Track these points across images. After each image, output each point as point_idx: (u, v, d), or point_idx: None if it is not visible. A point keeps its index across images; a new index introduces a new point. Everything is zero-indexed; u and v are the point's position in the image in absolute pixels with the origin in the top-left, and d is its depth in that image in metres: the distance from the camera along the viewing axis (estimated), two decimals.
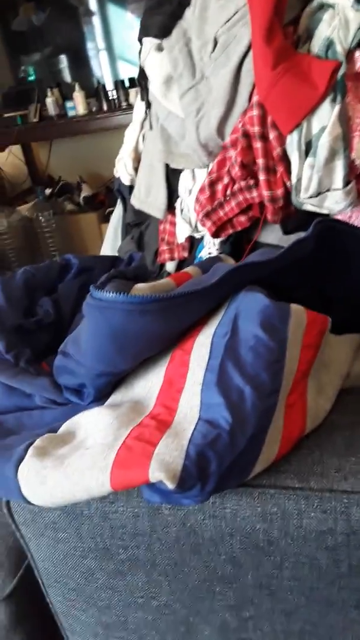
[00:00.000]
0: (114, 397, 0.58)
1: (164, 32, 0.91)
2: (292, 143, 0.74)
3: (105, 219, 2.66)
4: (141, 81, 1.04)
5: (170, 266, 1.12)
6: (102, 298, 0.52)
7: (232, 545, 0.52)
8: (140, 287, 0.57)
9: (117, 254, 1.29)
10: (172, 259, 1.11)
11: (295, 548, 0.50)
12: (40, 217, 2.59)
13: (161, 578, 0.57)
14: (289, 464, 0.51)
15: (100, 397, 0.59)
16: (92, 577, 0.59)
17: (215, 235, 0.93)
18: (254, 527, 0.50)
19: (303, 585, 0.52)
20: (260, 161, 0.79)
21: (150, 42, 0.96)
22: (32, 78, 2.85)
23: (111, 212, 2.56)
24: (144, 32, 0.97)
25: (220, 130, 0.86)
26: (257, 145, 0.79)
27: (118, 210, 1.39)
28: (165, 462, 0.45)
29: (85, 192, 2.82)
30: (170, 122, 0.95)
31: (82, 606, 0.63)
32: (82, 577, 0.60)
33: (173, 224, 1.07)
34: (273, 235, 0.91)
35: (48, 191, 2.85)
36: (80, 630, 0.67)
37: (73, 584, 0.61)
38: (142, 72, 1.02)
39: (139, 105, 1.17)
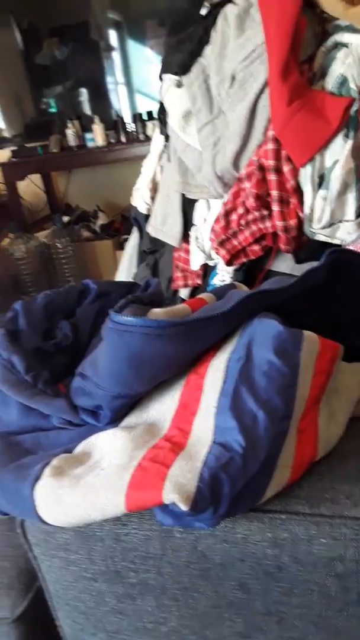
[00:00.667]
0: (129, 419, 0.60)
1: (184, 69, 0.95)
2: (306, 176, 0.77)
3: (120, 246, 2.71)
4: (161, 115, 1.08)
5: (184, 293, 1.15)
6: (121, 322, 0.54)
7: (242, 570, 0.52)
8: (157, 312, 0.59)
9: (132, 280, 1.31)
10: (185, 285, 1.13)
11: (305, 574, 0.50)
12: (57, 244, 2.65)
13: (171, 603, 0.57)
14: (300, 489, 0.51)
15: (115, 419, 0.60)
16: (102, 601, 0.59)
17: (228, 263, 0.95)
18: (264, 553, 0.51)
19: (312, 612, 0.52)
20: (274, 193, 0.82)
21: (170, 78, 1.01)
22: (53, 110, 2.95)
23: (126, 240, 2.61)
24: (165, 69, 1.01)
25: (236, 163, 0.89)
26: (272, 177, 0.81)
27: (134, 237, 1.43)
28: (179, 483, 0.46)
29: (102, 220, 2.88)
30: (188, 154, 0.98)
31: (91, 630, 0.63)
32: (92, 601, 0.60)
33: (187, 251, 1.10)
34: (285, 264, 0.92)
35: (66, 219, 2.91)
36: None
37: (83, 607, 0.61)
38: (161, 107, 1.06)
39: (157, 138, 1.21)
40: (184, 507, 0.45)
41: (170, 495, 0.45)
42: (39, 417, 0.64)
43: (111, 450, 0.54)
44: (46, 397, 0.64)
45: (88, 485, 0.50)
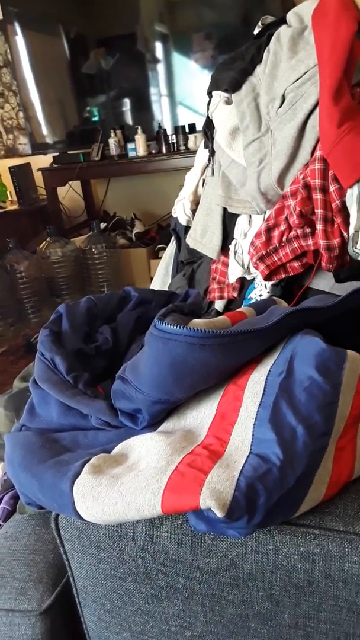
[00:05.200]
0: (166, 425, 0.61)
1: (234, 87, 0.97)
2: (352, 196, 0.78)
3: (155, 254, 2.74)
4: (207, 130, 1.10)
5: (219, 304, 1.16)
6: (165, 330, 0.55)
7: (271, 582, 0.53)
8: (198, 322, 0.60)
9: (166, 289, 1.33)
10: (221, 297, 1.14)
11: (335, 591, 0.50)
12: (93, 249, 2.70)
13: (197, 608, 0.57)
14: (335, 506, 0.52)
15: (153, 424, 0.61)
16: (130, 601, 0.61)
17: (267, 278, 0.96)
18: (295, 566, 0.51)
19: (340, 629, 0.52)
20: (319, 212, 0.82)
21: (219, 95, 1.03)
22: (96, 119, 3.02)
23: (161, 249, 2.65)
24: (214, 86, 1.03)
25: (281, 181, 0.90)
26: (317, 196, 0.82)
27: (171, 247, 1.45)
28: (216, 490, 0.47)
29: (138, 228, 2.93)
30: (232, 169, 1.00)
31: (116, 629, 0.64)
32: (120, 600, 0.61)
33: (225, 264, 1.11)
34: (325, 282, 0.93)
35: (102, 225, 2.97)
36: None
37: (109, 605, 0.62)
38: (209, 122, 1.08)
39: (201, 152, 1.23)
40: (219, 514, 0.46)
41: (207, 501, 0.46)
42: (78, 417, 0.66)
43: (149, 453, 0.55)
44: (86, 397, 0.66)
45: (126, 485, 0.51)
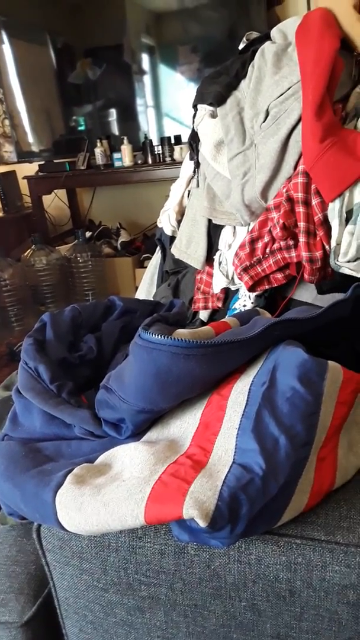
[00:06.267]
0: (150, 434, 0.61)
1: (219, 101, 0.99)
2: (334, 210, 0.79)
3: (140, 264, 2.75)
4: (192, 143, 1.11)
5: (203, 315, 1.17)
6: (150, 339, 0.56)
7: (253, 592, 0.53)
8: (183, 332, 0.61)
9: (151, 299, 1.34)
10: (206, 308, 1.15)
11: (317, 600, 0.51)
12: (78, 258, 2.69)
13: (180, 619, 0.57)
14: (317, 516, 0.52)
15: (137, 433, 0.62)
16: (112, 612, 0.60)
17: (251, 289, 0.97)
18: (277, 576, 0.51)
19: (320, 639, 0.52)
20: (301, 224, 0.84)
21: (204, 108, 1.04)
22: (82, 128, 3.02)
23: (146, 258, 2.65)
24: (200, 99, 1.05)
25: (264, 194, 0.91)
26: (300, 209, 0.84)
27: (156, 257, 1.45)
28: (199, 500, 0.47)
29: (123, 237, 2.93)
30: (217, 182, 1.01)
31: None
32: (102, 611, 0.61)
33: (210, 275, 1.12)
34: (307, 294, 0.94)
35: (88, 234, 2.97)
36: None
37: (91, 616, 0.62)
38: (194, 135, 1.09)
39: (187, 164, 1.24)
40: (202, 524, 0.46)
41: (190, 510, 0.46)
42: (61, 426, 0.66)
43: (132, 463, 0.55)
44: (70, 407, 0.66)
45: (109, 495, 0.51)
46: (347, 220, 0.79)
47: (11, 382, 1.06)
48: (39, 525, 0.60)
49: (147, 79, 2.89)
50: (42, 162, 2.95)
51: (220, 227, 1.08)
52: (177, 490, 0.49)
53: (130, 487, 0.51)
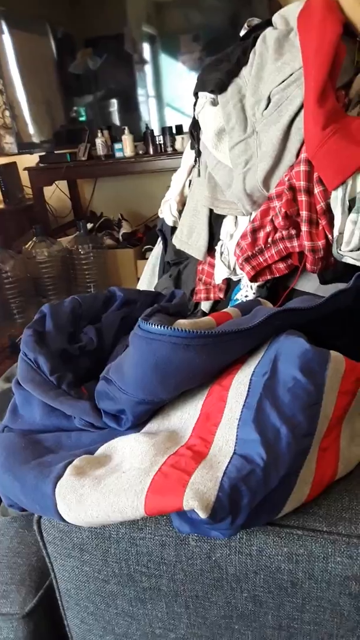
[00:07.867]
0: (150, 426, 0.61)
1: (220, 88, 0.97)
2: (337, 199, 0.78)
3: (142, 255, 2.74)
4: (193, 131, 1.10)
5: (205, 305, 1.16)
6: (149, 330, 0.55)
7: (255, 583, 0.53)
8: (183, 323, 0.60)
9: (152, 290, 1.33)
10: (207, 298, 1.14)
11: (319, 592, 0.50)
12: (80, 249, 2.68)
13: (181, 610, 0.57)
14: (319, 507, 0.52)
15: (137, 425, 0.61)
16: (113, 603, 0.60)
17: (253, 279, 0.96)
18: (278, 567, 0.51)
19: (323, 630, 0.52)
20: (303, 213, 0.83)
21: (205, 96, 1.03)
22: (82, 119, 3.00)
23: (148, 250, 2.64)
24: (201, 87, 1.03)
25: (266, 182, 0.90)
26: (302, 198, 0.83)
27: (158, 248, 1.44)
28: (199, 491, 0.46)
29: (125, 229, 2.92)
30: (218, 171, 1.00)
31: (99, 632, 0.63)
32: (103, 602, 0.61)
33: (212, 265, 1.11)
34: (310, 284, 0.93)
35: (89, 225, 2.95)
36: None
37: (93, 608, 0.62)
38: (195, 123, 1.08)
39: (188, 153, 1.23)
40: (202, 515, 0.46)
41: (190, 502, 0.46)
42: (61, 418, 0.66)
43: (132, 455, 0.55)
44: (70, 398, 0.66)
45: (109, 487, 0.51)
46: (350, 209, 0.78)
47: (12, 373, 1.06)
48: (40, 516, 0.60)
49: (148, 69, 2.86)
50: (43, 153, 2.93)
51: (222, 216, 1.07)
52: (177, 482, 0.48)
53: (131, 479, 0.51)
